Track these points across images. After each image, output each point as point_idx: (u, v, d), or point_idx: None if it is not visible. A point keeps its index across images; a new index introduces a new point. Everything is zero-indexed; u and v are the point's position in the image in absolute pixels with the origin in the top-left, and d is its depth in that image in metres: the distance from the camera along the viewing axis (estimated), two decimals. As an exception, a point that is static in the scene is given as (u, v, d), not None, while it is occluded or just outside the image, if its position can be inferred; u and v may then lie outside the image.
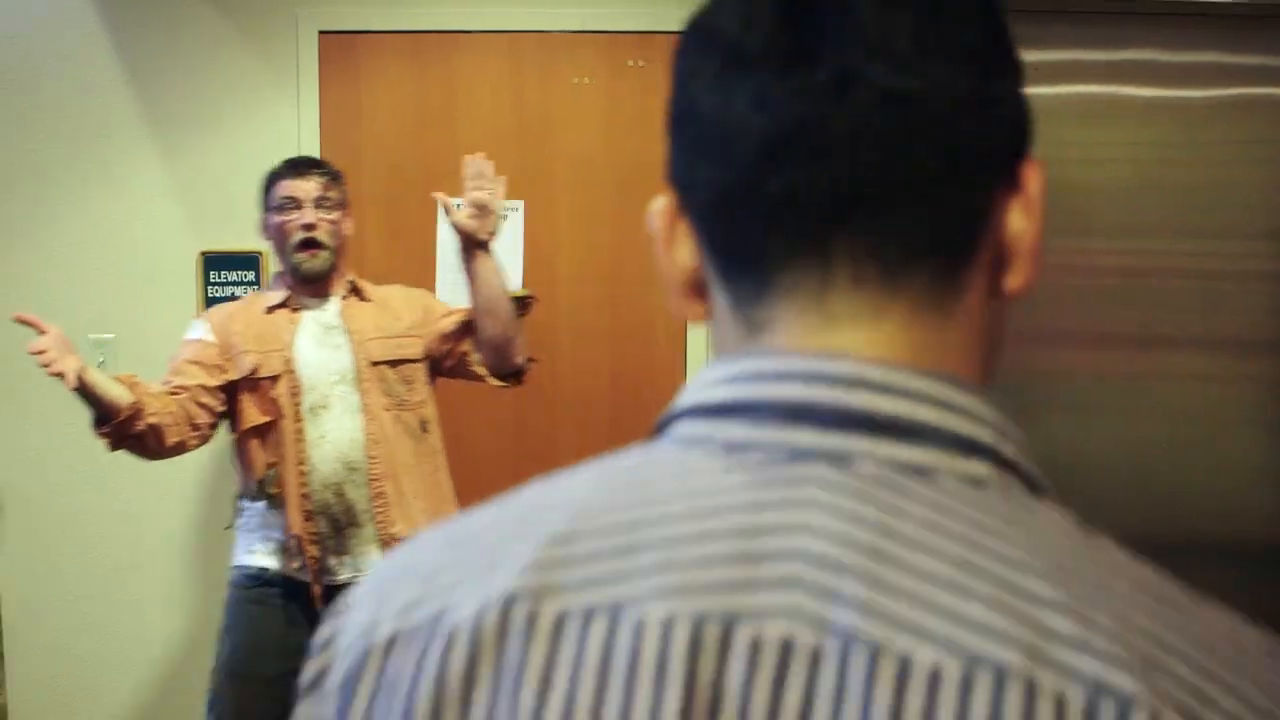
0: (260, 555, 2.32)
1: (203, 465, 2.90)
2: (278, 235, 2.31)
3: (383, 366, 2.29)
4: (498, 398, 2.90)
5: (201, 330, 2.34)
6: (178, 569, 2.94)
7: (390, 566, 0.53)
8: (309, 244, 2.28)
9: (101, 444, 2.14)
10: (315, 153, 2.83)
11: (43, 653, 2.96)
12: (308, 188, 2.29)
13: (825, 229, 0.48)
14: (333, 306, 2.35)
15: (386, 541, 2.24)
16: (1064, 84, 2.95)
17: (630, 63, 2.83)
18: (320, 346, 2.30)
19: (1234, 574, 3.10)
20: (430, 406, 2.38)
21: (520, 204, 2.86)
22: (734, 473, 0.47)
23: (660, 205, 0.54)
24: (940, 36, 0.47)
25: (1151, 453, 3.06)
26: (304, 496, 2.24)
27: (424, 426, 2.36)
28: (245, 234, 2.86)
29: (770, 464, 0.46)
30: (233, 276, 2.86)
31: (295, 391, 2.25)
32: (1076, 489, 3.46)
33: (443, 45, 2.84)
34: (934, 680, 0.41)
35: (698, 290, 0.54)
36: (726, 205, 0.49)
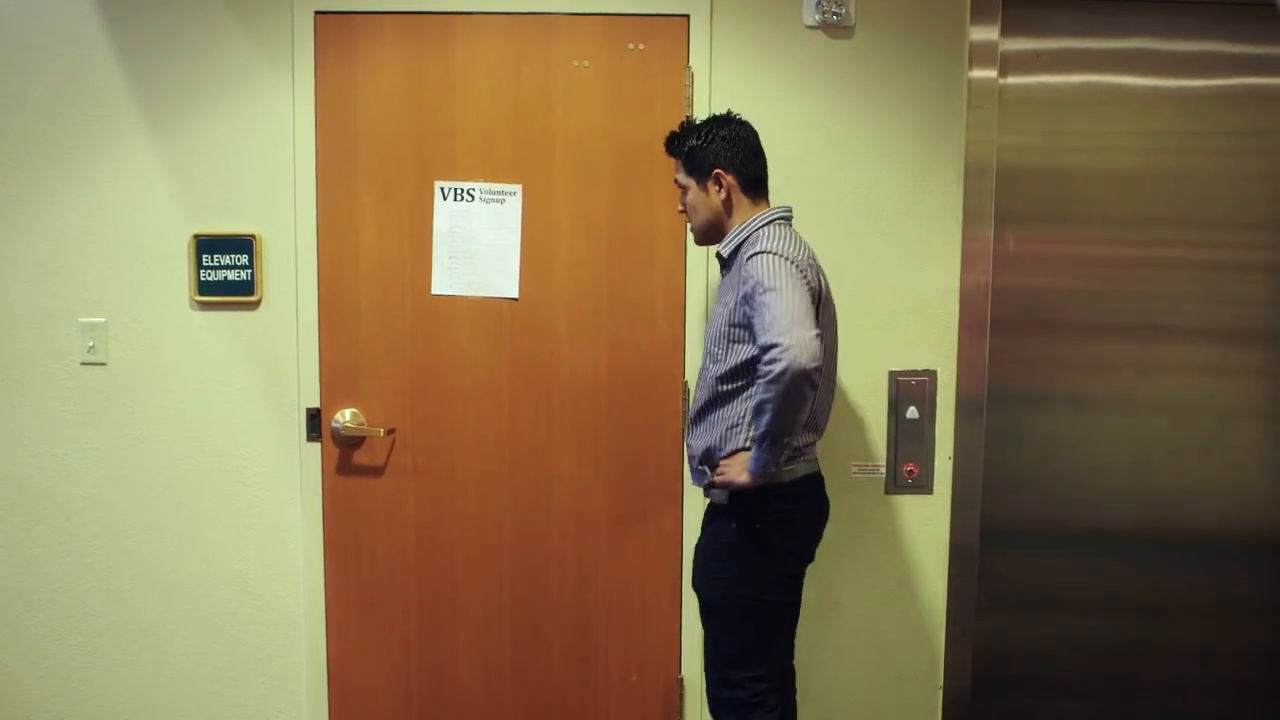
0: None
1: (192, 452, 2.90)
2: None
3: None
4: (495, 379, 2.90)
5: None
6: (169, 556, 2.93)
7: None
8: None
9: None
10: (310, 134, 2.81)
11: (33, 644, 2.96)
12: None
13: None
14: None
15: None
16: (1064, 73, 2.94)
17: (630, 46, 2.81)
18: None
19: (1234, 565, 3.11)
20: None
21: (518, 187, 2.85)
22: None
23: (728, 179, 2.41)
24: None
25: (1151, 443, 3.06)
26: None
27: None
28: (238, 217, 2.85)
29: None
30: (225, 260, 2.84)
31: None
32: (1076, 479, 3.42)
33: (440, 26, 2.82)
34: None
35: (729, 205, 2.42)
36: (759, 174, 2.45)
